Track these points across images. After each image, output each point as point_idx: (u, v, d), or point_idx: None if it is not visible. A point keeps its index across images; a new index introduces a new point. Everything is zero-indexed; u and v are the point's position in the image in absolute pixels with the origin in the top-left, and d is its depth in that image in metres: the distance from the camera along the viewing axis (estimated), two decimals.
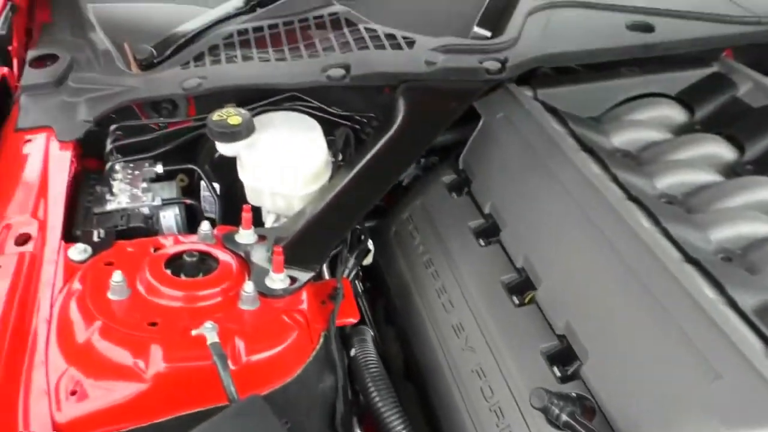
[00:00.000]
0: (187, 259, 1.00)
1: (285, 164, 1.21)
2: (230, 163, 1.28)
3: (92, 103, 1.33)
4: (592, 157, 1.19)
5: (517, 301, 1.08)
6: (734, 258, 1.04)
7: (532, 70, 1.42)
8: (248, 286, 0.96)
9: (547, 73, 1.47)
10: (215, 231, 1.10)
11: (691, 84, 1.43)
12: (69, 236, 1.12)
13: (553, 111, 1.32)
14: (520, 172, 1.22)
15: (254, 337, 0.94)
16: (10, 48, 1.51)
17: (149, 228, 1.21)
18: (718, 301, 0.90)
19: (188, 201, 1.28)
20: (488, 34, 1.44)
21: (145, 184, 1.25)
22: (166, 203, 1.24)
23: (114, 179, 1.24)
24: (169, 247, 1.05)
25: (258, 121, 1.24)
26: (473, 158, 1.32)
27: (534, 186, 1.18)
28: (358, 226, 1.26)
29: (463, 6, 1.53)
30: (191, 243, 1.07)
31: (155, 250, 1.05)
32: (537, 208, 1.15)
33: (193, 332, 0.90)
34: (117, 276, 0.94)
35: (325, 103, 1.36)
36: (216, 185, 1.35)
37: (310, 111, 1.34)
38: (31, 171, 1.22)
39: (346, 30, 1.45)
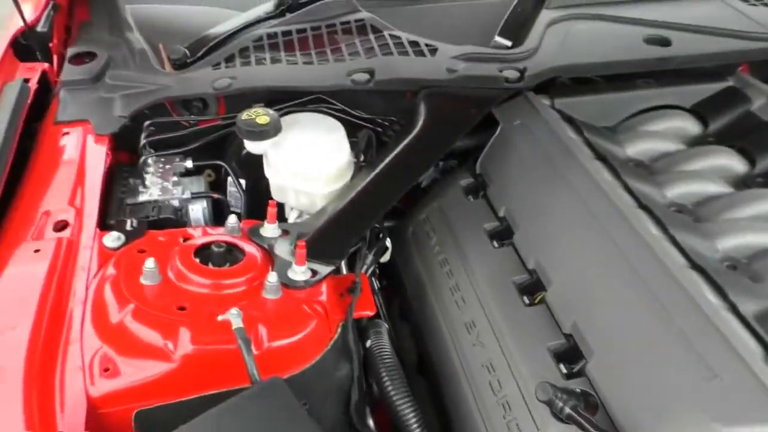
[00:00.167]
0: (215, 249, 1.06)
1: (309, 163, 1.26)
2: (256, 160, 1.34)
3: (127, 99, 1.38)
4: (605, 166, 1.23)
5: (527, 301, 1.12)
6: (739, 266, 1.08)
7: (551, 80, 1.46)
8: (272, 277, 1.02)
9: (565, 83, 1.51)
10: (241, 224, 1.16)
11: (705, 97, 1.46)
12: (104, 224, 1.18)
13: (569, 120, 1.36)
14: (535, 178, 1.26)
15: (276, 325, 0.99)
16: (51, 45, 1.56)
17: (178, 219, 1.26)
18: (720, 307, 0.94)
19: (216, 195, 1.33)
20: (509, 43, 1.48)
21: (175, 178, 1.31)
22: (195, 196, 1.29)
23: (146, 172, 1.30)
24: (198, 237, 1.11)
25: (284, 121, 1.29)
26: (490, 163, 1.36)
27: (548, 192, 1.22)
28: (377, 225, 1.31)
29: (485, 16, 1.57)
30: (219, 234, 1.12)
31: (185, 240, 1.11)
32: (550, 213, 1.19)
33: (219, 317, 0.95)
34: (150, 263, 1.00)
35: (349, 105, 1.41)
36: (242, 181, 1.41)
37: (335, 113, 1.39)
38: (69, 162, 1.27)
39: (371, 36, 1.49)
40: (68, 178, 1.24)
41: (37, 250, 1.08)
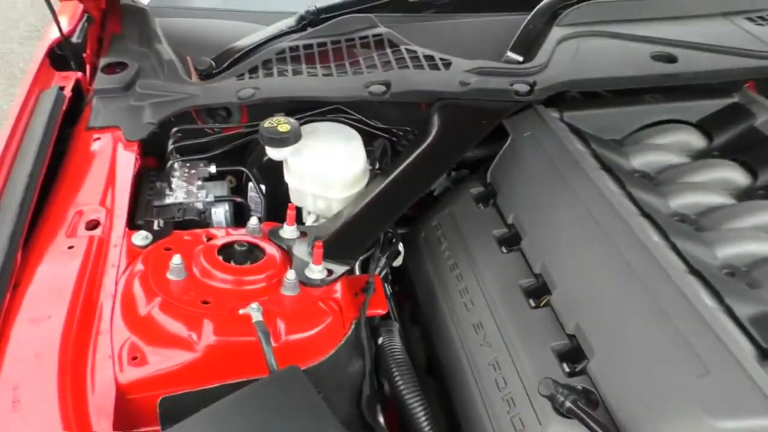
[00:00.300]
0: (238, 248, 1.12)
1: (327, 170, 1.32)
2: (276, 167, 1.40)
3: (156, 107, 1.45)
4: (610, 176, 1.28)
5: (533, 304, 1.17)
6: (738, 273, 1.12)
7: (560, 94, 1.51)
8: (290, 274, 1.08)
9: (574, 96, 1.56)
10: (261, 226, 1.22)
11: (711, 113, 1.51)
12: (132, 224, 1.24)
13: (577, 132, 1.41)
14: (543, 187, 1.31)
15: (293, 319, 1.05)
16: (84, 55, 1.65)
17: (202, 221, 1.33)
18: (716, 309, 0.99)
19: (238, 199, 1.40)
20: (520, 59, 1.53)
21: (199, 182, 1.38)
22: (218, 200, 1.36)
23: (173, 176, 1.37)
24: (222, 237, 1.17)
25: (304, 129, 1.35)
26: (500, 172, 1.42)
27: (554, 200, 1.27)
28: (390, 230, 1.36)
29: (498, 33, 1.63)
30: (241, 235, 1.19)
31: (208, 240, 1.17)
32: (556, 220, 1.24)
33: (241, 311, 1.02)
34: (176, 259, 1.06)
35: (366, 116, 1.46)
36: (262, 186, 1.47)
37: (352, 123, 1.44)
38: (100, 165, 1.34)
39: (388, 50, 1.55)
40: (99, 180, 1.30)
41: (70, 247, 1.15)
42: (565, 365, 1.05)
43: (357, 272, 1.32)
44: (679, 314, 0.97)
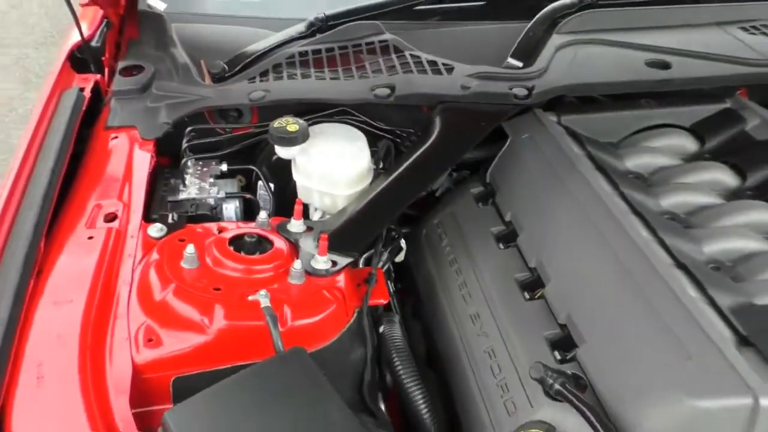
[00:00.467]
0: (247, 239, 1.19)
1: (333, 168, 1.38)
2: (285, 166, 1.46)
3: (171, 108, 1.51)
4: (604, 176, 1.33)
5: (528, 296, 1.23)
6: (723, 268, 1.17)
7: (559, 98, 1.57)
8: (297, 264, 1.14)
9: (572, 101, 1.62)
10: (270, 220, 1.29)
11: (704, 117, 1.57)
12: (148, 218, 1.30)
13: (573, 135, 1.47)
14: (539, 187, 1.37)
15: (299, 306, 1.11)
16: (103, 58, 1.72)
17: (213, 216, 1.39)
18: (699, 300, 1.04)
19: (247, 195, 1.45)
20: (520, 64, 1.59)
21: (211, 179, 1.44)
22: (229, 196, 1.41)
23: (186, 173, 1.43)
24: (232, 229, 1.23)
25: (312, 130, 1.41)
26: (499, 173, 1.48)
27: (550, 199, 1.33)
28: (393, 227, 1.43)
29: (499, 40, 1.69)
30: (251, 228, 1.25)
31: (220, 232, 1.24)
32: (551, 218, 1.30)
33: (250, 297, 1.08)
34: (190, 248, 1.13)
35: (371, 117, 1.52)
36: (271, 185, 1.54)
37: (358, 124, 1.50)
38: (118, 162, 1.40)
39: (393, 55, 1.61)
40: (117, 176, 1.37)
41: (90, 237, 1.22)
42: (556, 353, 1.11)
43: (361, 266, 1.38)
44: (664, 304, 1.02)
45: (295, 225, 1.26)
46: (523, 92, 1.48)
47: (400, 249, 1.44)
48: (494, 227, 1.39)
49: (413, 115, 1.53)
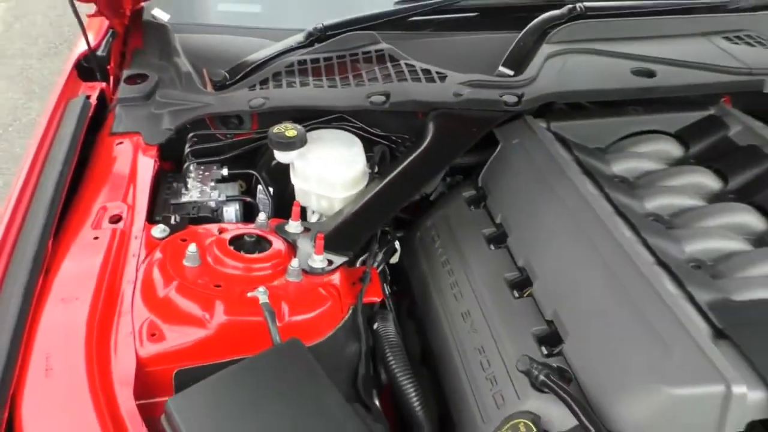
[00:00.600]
0: (247, 239, 1.24)
1: (330, 172, 1.43)
2: (283, 170, 1.51)
3: (173, 114, 1.56)
4: (590, 180, 1.38)
5: (516, 294, 1.27)
6: (704, 267, 1.22)
7: (549, 105, 1.63)
8: (294, 263, 1.19)
9: (561, 108, 1.67)
10: (269, 221, 1.34)
11: (688, 124, 1.62)
12: (151, 219, 1.35)
13: (562, 140, 1.52)
14: (528, 190, 1.42)
15: (296, 303, 1.16)
16: (108, 67, 1.78)
17: (214, 218, 1.43)
18: (678, 296, 1.09)
19: (247, 199, 1.51)
20: (511, 73, 1.65)
21: (213, 183, 1.49)
22: (230, 199, 1.46)
23: (189, 177, 1.48)
24: (233, 230, 1.28)
25: (310, 135, 1.46)
26: (490, 177, 1.53)
27: (539, 201, 1.38)
28: (387, 229, 1.48)
29: (491, 49, 1.75)
30: (250, 229, 1.30)
31: (220, 233, 1.29)
32: (539, 220, 1.35)
33: (249, 294, 1.13)
34: (192, 247, 1.18)
35: (367, 124, 1.57)
36: (270, 189, 1.59)
37: (354, 130, 1.55)
38: (122, 167, 1.45)
39: (389, 64, 1.67)
40: (122, 179, 1.42)
41: (95, 238, 1.27)
42: (543, 348, 1.15)
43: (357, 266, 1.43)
44: (644, 300, 1.07)
45: (293, 226, 1.31)
46: (513, 99, 1.54)
47: (395, 251, 1.49)
48: (485, 229, 1.44)
49: (408, 121, 1.58)
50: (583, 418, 0.97)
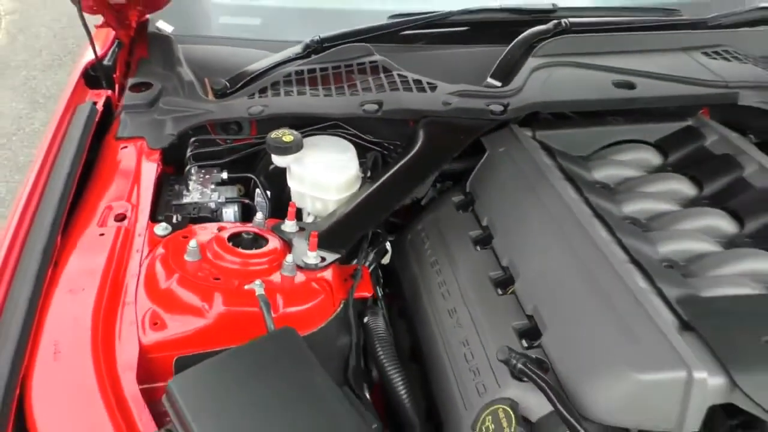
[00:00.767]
0: (245, 236, 1.31)
1: (324, 175, 1.50)
2: (280, 175, 1.59)
3: (176, 121, 1.63)
4: (571, 185, 1.46)
5: (500, 292, 1.34)
6: (676, 266, 1.29)
7: (534, 115, 1.71)
8: (289, 258, 1.26)
9: (546, 118, 1.75)
10: (266, 221, 1.41)
11: (668, 134, 1.70)
12: (154, 219, 1.43)
13: (546, 148, 1.60)
14: (513, 194, 1.49)
15: (290, 295, 1.23)
16: (114, 76, 1.85)
17: (214, 219, 1.50)
18: (648, 291, 1.16)
19: (246, 201, 1.58)
20: (498, 84, 1.73)
21: (213, 186, 1.56)
22: (229, 201, 1.54)
23: (190, 180, 1.56)
24: (231, 228, 1.36)
25: (306, 141, 1.53)
26: (478, 183, 1.60)
27: (523, 205, 1.45)
28: (379, 230, 1.55)
29: (480, 62, 1.83)
30: (248, 227, 1.37)
31: (219, 231, 1.36)
32: (523, 222, 1.42)
33: (246, 287, 1.20)
34: (193, 243, 1.25)
35: (360, 131, 1.64)
36: (268, 192, 1.66)
37: (348, 137, 1.62)
38: (127, 169, 1.53)
39: (382, 75, 1.74)
40: (126, 181, 1.49)
41: (101, 234, 1.34)
42: (524, 341, 1.21)
43: None
44: (616, 294, 1.14)
45: (289, 225, 1.39)
46: (499, 108, 1.62)
47: (386, 251, 1.56)
48: (472, 231, 1.51)
49: (399, 129, 1.66)
50: (558, 403, 1.03)
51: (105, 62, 1.84)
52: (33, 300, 1.16)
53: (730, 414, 1.05)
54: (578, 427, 1.00)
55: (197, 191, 1.54)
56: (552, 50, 1.81)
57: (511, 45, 1.84)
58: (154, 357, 1.15)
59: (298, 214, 1.52)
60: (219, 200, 1.53)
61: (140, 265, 1.28)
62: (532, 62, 1.78)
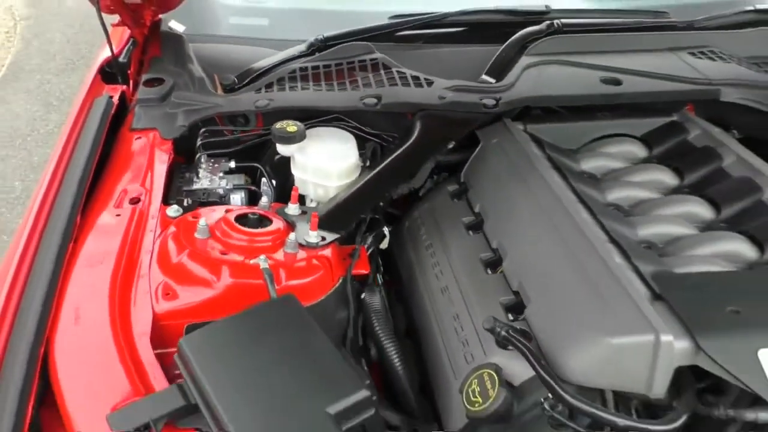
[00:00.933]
0: (251, 216, 1.40)
1: (326, 163, 1.60)
2: (285, 165, 1.68)
3: (187, 113, 1.73)
4: (558, 174, 1.55)
5: (489, 272, 1.43)
6: (654, 248, 1.38)
7: (527, 110, 1.80)
8: (291, 236, 1.35)
9: (538, 113, 1.84)
10: (271, 204, 1.51)
11: (653, 129, 1.79)
12: (166, 203, 1.53)
13: (537, 140, 1.69)
14: (504, 183, 1.58)
15: (292, 270, 1.32)
16: (129, 72, 1.96)
17: (222, 204, 1.61)
18: (624, 267, 1.24)
19: (252, 187, 1.67)
20: (492, 80, 1.83)
21: (221, 174, 1.66)
22: (236, 188, 1.64)
23: (200, 168, 1.66)
24: (238, 210, 1.45)
25: (309, 132, 1.63)
26: (472, 173, 1.69)
27: (512, 193, 1.54)
28: (377, 216, 1.64)
29: (475, 60, 1.92)
30: (254, 209, 1.47)
31: (227, 213, 1.46)
32: (512, 207, 1.51)
33: (251, 261, 1.29)
34: (202, 221, 1.34)
35: (360, 123, 1.74)
36: (273, 181, 1.76)
37: (349, 128, 1.72)
38: (141, 157, 1.63)
39: (382, 71, 1.83)
40: (140, 168, 1.59)
41: (117, 215, 1.43)
42: (510, 315, 1.31)
43: None
44: (594, 270, 1.23)
45: (292, 208, 1.48)
46: (491, 102, 1.71)
47: (384, 236, 1.66)
48: (465, 218, 1.60)
49: (397, 121, 1.75)
50: (537, 366, 1.12)
51: (120, 59, 1.94)
52: (55, 272, 1.26)
53: (698, 378, 1.13)
54: (556, 388, 1.09)
55: (207, 178, 1.64)
56: (544, 49, 1.90)
57: (505, 44, 1.93)
58: (166, 324, 1.24)
59: (301, 201, 1.61)
60: (227, 186, 1.63)
61: (153, 243, 1.38)
62: (524, 60, 1.87)
